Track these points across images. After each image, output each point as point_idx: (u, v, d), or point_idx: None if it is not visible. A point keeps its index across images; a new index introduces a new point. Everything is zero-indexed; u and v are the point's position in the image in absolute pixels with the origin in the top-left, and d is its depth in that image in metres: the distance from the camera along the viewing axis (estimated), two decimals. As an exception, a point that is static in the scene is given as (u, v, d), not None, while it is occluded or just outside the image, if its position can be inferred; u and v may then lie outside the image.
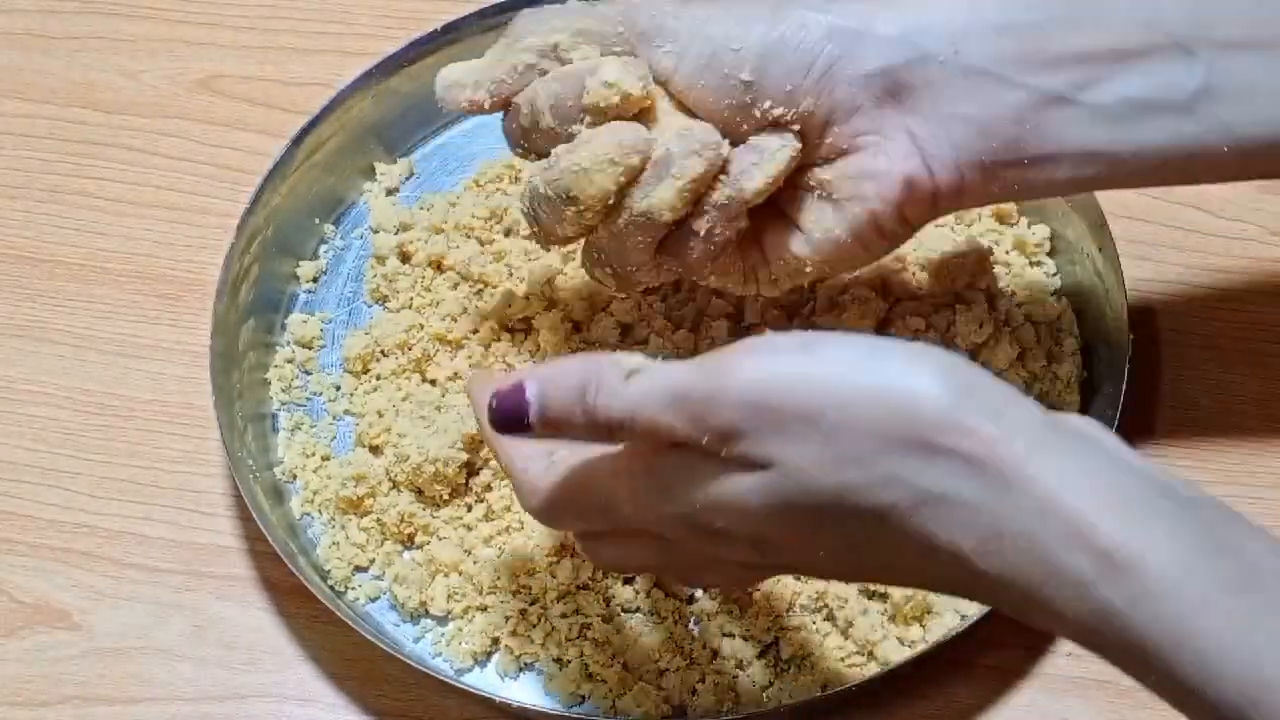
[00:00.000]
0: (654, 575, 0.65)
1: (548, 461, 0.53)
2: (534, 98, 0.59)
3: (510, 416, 0.49)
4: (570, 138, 0.59)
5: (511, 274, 0.73)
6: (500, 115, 0.62)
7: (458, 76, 0.61)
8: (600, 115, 0.58)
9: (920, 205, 0.58)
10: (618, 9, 0.58)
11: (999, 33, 0.56)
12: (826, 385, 0.44)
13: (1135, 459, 0.44)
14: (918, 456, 0.43)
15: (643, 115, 0.58)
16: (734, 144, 0.58)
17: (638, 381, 0.47)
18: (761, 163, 0.57)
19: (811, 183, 0.59)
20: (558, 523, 0.55)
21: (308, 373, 0.73)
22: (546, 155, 0.60)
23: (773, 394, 0.44)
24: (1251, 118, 0.56)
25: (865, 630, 0.63)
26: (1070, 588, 0.42)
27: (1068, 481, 0.42)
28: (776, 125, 0.57)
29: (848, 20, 0.56)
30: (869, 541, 0.46)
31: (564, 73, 0.59)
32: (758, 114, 0.57)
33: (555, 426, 0.49)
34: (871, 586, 0.64)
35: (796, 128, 0.57)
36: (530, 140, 0.60)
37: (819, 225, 0.59)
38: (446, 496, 0.68)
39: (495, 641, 0.65)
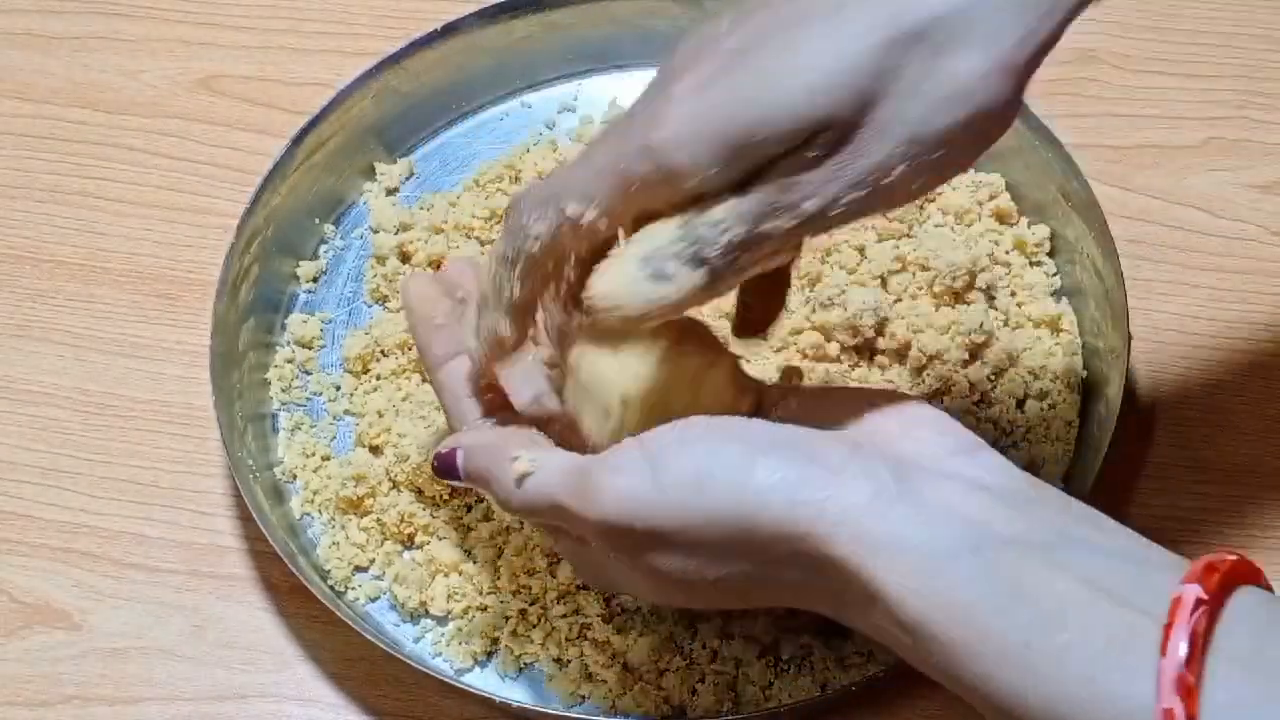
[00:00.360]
0: None
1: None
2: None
3: (446, 471, 0.56)
4: None
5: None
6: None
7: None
8: None
9: None
10: None
11: None
12: (671, 513, 0.49)
13: (967, 502, 0.47)
14: (765, 563, 0.49)
15: None
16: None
17: (527, 486, 0.52)
18: None
19: None
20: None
21: (308, 373, 0.73)
22: None
23: (628, 521, 0.49)
24: None
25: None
26: (902, 649, 0.48)
27: (881, 565, 0.46)
28: None
29: None
30: (758, 599, 0.52)
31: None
32: None
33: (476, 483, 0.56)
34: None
35: None
36: None
37: None
38: (446, 496, 0.68)
39: (495, 641, 0.65)
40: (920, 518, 0.46)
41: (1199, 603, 0.42)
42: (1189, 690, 0.41)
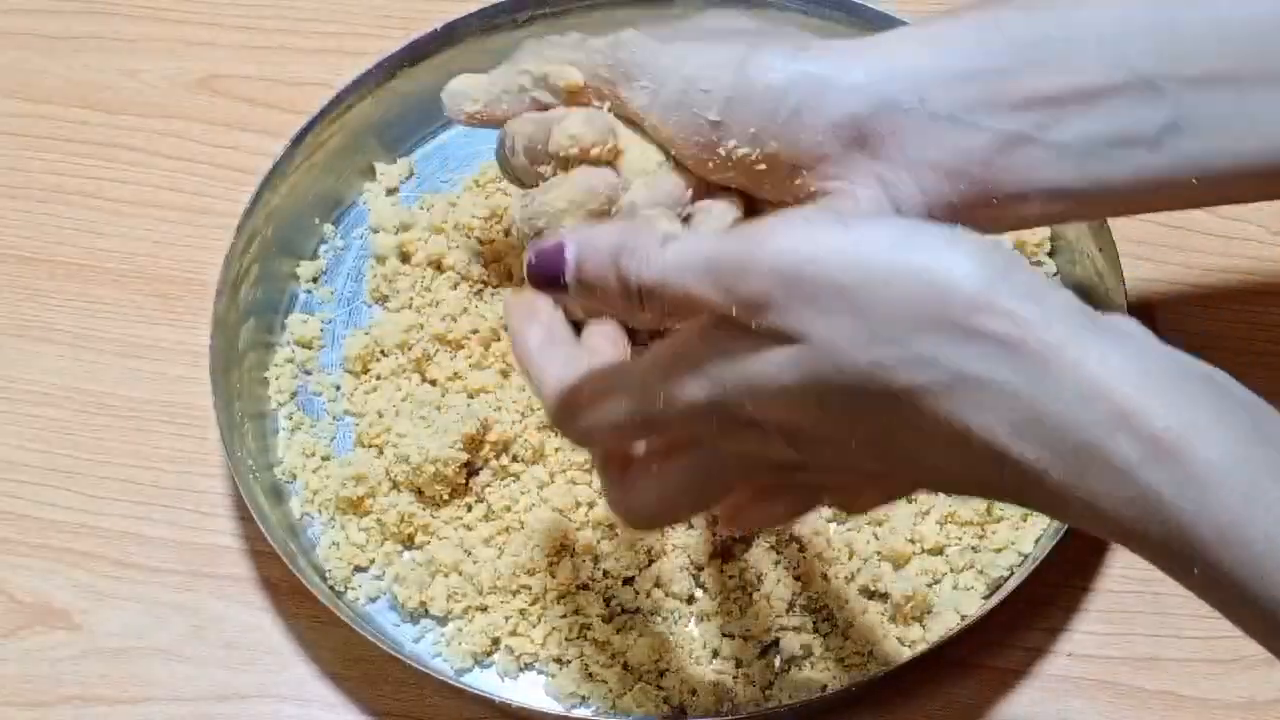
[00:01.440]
0: (692, 515, 0.61)
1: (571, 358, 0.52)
2: (513, 134, 0.64)
3: (547, 272, 0.48)
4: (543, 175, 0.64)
5: (511, 274, 0.73)
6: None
7: (463, 88, 0.66)
8: (564, 163, 0.62)
9: None
10: (606, 44, 0.62)
11: (964, 79, 0.56)
12: (861, 261, 0.43)
13: (1178, 353, 0.43)
14: (952, 338, 0.42)
15: (611, 158, 0.62)
16: (701, 180, 0.61)
17: (672, 248, 0.46)
18: (708, 223, 0.61)
19: None
20: (577, 426, 0.51)
21: (308, 373, 0.73)
22: (526, 184, 0.65)
23: (805, 265, 0.43)
24: (1221, 151, 0.56)
25: (865, 630, 0.63)
26: (1113, 473, 0.41)
27: (1111, 366, 0.41)
28: (741, 166, 0.59)
29: (814, 67, 0.57)
30: (900, 426, 0.44)
31: (538, 118, 0.64)
32: (723, 152, 0.59)
33: (589, 288, 0.48)
34: (871, 586, 0.64)
35: (757, 177, 0.59)
36: (511, 170, 0.66)
37: None
38: (446, 496, 0.68)
39: (495, 641, 0.65)
40: (1138, 341, 0.42)
41: None
42: None
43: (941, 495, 0.66)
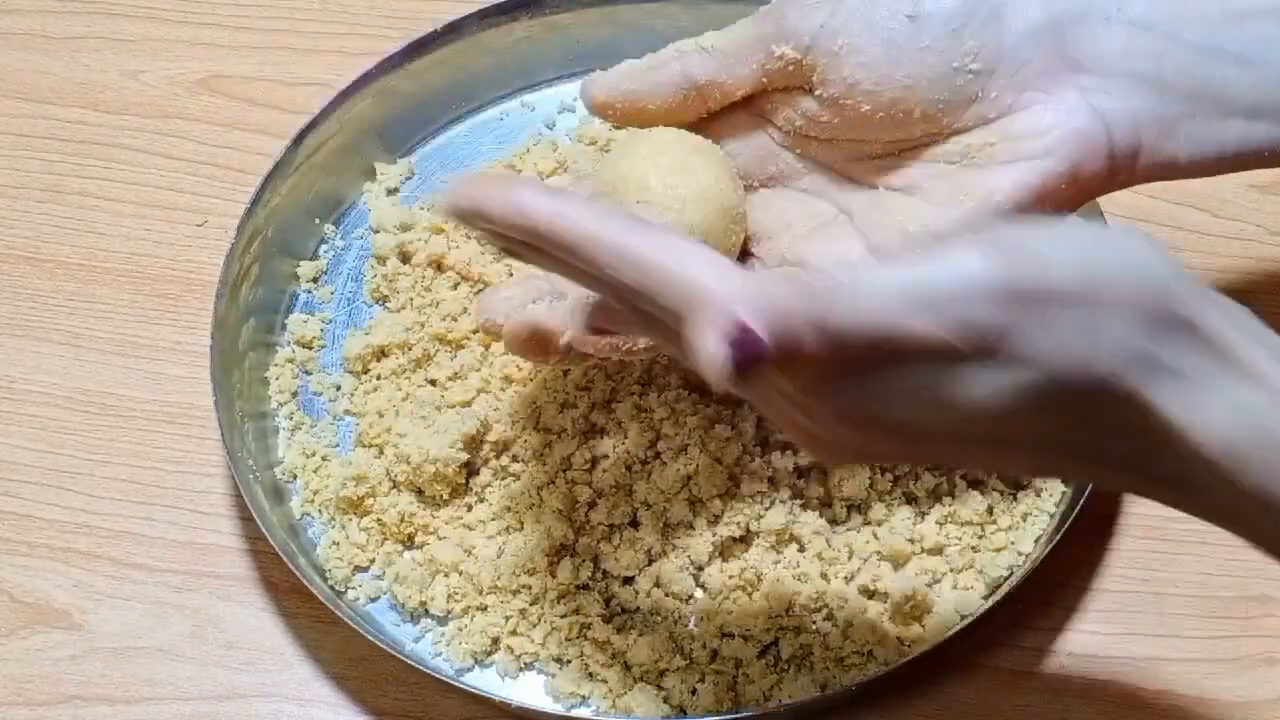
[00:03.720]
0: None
1: None
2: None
3: (751, 356, 0.42)
4: None
5: (512, 274, 0.73)
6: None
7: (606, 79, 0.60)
8: None
9: (1095, 166, 0.55)
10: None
11: None
12: (1079, 270, 0.42)
13: None
14: (1175, 334, 0.43)
15: None
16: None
17: (864, 291, 0.42)
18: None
19: (954, 150, 0.56)
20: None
21: (308, 373, 0.73)
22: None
23: (1027, 281, 0.42)
24: None
25: (865, 630, 0.63)
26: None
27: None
28: (922, 75, 0.54)
29: None
30: (1090, 423, 0.44)
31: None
32: (911, 54, 0.54)
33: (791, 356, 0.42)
34: (871, 586, 0.64)
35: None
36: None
37: (952, 196, 0.56)
38: (446, 496, 0.68)
39: (495, 641, 0.65)
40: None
41: None
42: None
43: (941, 497, 0.66)
